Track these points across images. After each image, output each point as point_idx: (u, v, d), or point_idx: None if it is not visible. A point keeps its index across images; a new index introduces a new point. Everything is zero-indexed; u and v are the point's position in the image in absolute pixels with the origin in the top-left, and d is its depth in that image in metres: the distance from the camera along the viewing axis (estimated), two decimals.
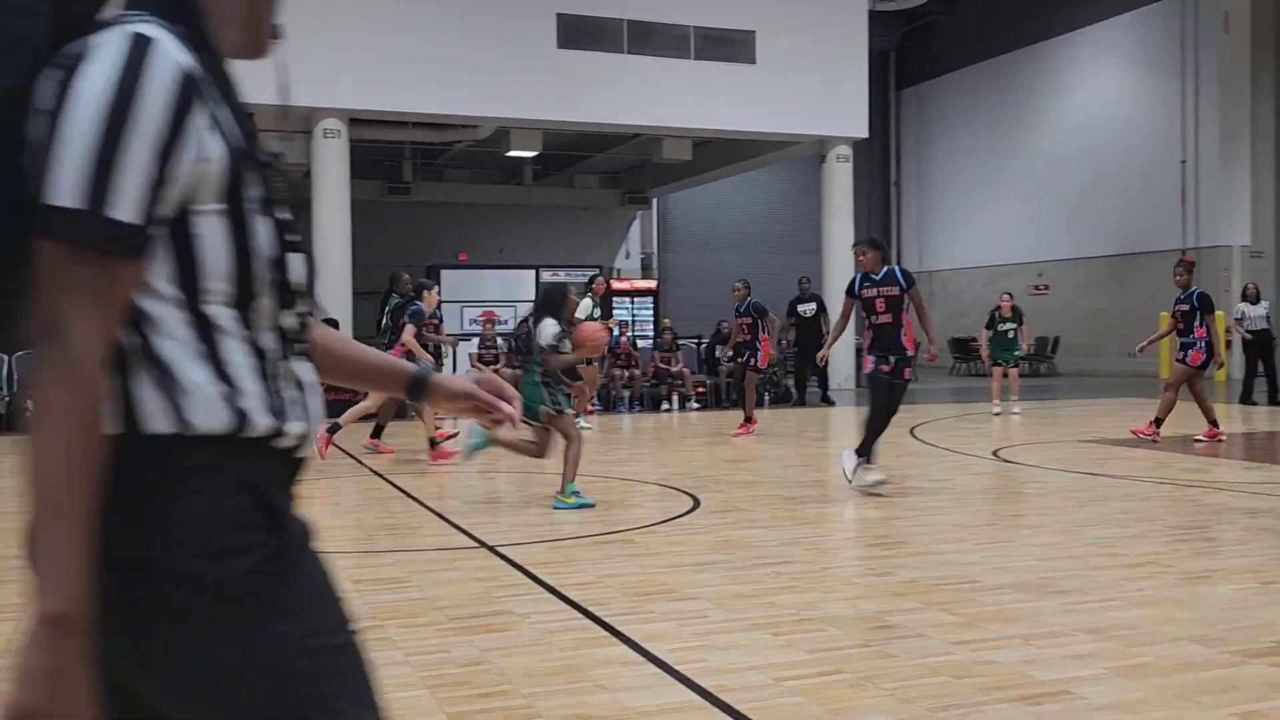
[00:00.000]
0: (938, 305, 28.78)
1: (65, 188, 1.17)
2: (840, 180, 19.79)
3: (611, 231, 27.22)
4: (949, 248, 28.29)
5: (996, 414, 13.79)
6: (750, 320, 12.65)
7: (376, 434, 10.43)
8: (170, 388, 1.25)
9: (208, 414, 1.26)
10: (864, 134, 19.70)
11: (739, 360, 13.21)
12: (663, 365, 15.94)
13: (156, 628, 1.22)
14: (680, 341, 16.77)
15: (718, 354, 15.80)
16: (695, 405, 15.81)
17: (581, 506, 7.20)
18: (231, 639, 1.24)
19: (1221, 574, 5.28)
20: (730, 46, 18.58)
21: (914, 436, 11.80)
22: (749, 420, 12.13)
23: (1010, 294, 15.34)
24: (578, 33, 17.46)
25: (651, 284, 23.25)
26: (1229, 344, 20.79)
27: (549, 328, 7.42)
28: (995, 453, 10.29)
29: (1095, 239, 23.46)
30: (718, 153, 22.52)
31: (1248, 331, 15.46)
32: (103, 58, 1.20)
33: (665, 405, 15.73)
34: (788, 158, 22.89)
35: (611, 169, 26.43)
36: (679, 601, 4.82)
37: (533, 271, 21.47)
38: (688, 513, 7.16)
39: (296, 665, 1.27)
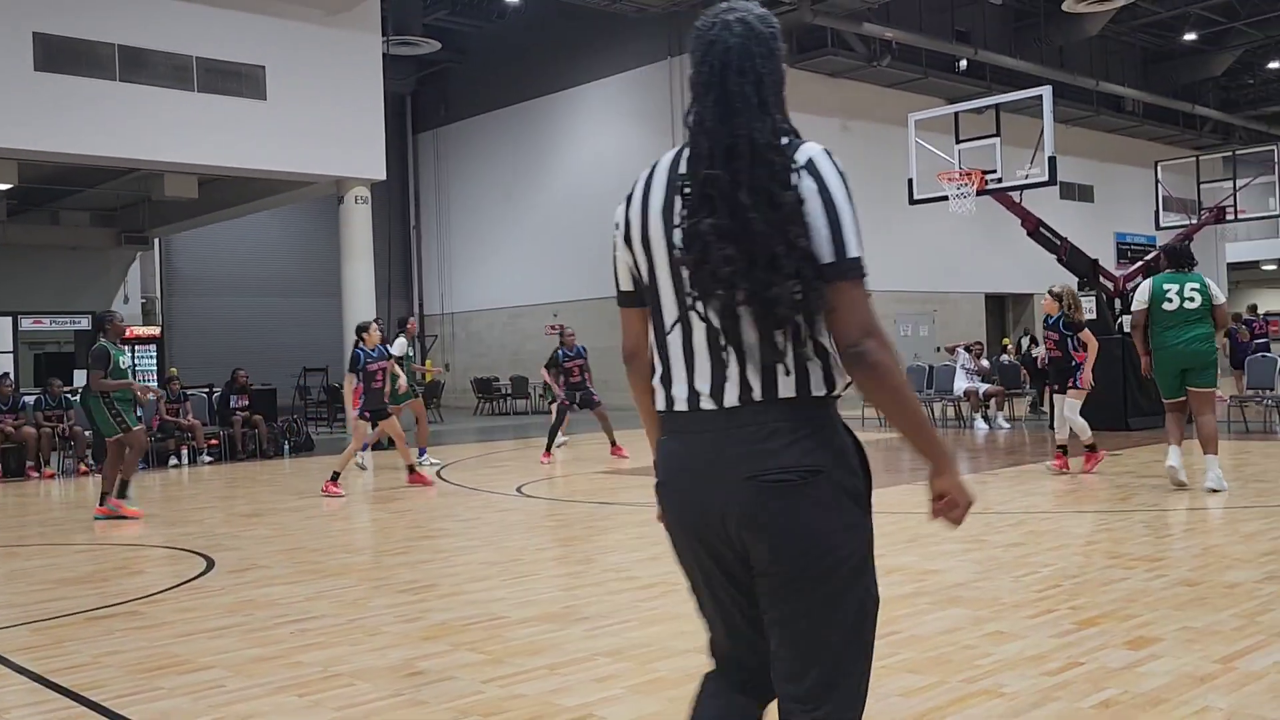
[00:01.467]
0: (461, 347, 29.38)
1: (855, 245, 1.95)
2: (359, 222, 19.55)
3: (105, 274, 24.82)
4: (471, 290, 28.97)
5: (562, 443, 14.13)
6: (583, 363, 13.11)
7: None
8: (827, 367, 2.01)
9: (836, 384, 2.02)
10: (382, 176, 19.63)
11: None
12: (169, 418, 14.75)
13: (820, 512, 1.97)
14: (189, 392, 15.64)
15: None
16: (208, 459, 14.80)
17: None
18: (859, 525, 2.03)
19: None
20: (238, 80, 17.74)
21: (441, 478, 11.85)
22: None
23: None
24: (59, 55, 15.79)
25: (154, 330, 21.48)
26: None
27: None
28: (519, 489, 10.59)
29: (603, 281, 25.11)
30: (227, 191, 21.37)
31: None
32: (829, 164, 2.00)
33: (173, 461, 14.57)
34: (304, 198, 22.26)
35: (105, 206, 24.18)
36: (192, 673, 4.42)
37: (9, 319, 18.92)
38: (201, 575, 6.63)
39: (873, 548, 2.09)
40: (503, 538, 7.86)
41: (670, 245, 2.04)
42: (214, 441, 15.09)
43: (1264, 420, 14.00)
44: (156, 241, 25.58)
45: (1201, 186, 18.10)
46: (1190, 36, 29.71)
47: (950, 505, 2.07)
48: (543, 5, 23.69)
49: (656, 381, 2.14)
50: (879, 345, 1.92)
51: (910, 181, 15.09)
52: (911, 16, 24.49)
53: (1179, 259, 8.74)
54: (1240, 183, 17.44)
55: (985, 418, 15.93)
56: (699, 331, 2.03)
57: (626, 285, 2.23)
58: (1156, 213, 18.51)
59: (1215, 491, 8.24)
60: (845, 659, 2.04)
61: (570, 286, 25.91)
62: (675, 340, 2.07)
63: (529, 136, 27.29)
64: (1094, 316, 14.92)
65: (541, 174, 27.07)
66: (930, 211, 16.11)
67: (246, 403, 15.80)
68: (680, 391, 2.06)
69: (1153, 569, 5.79)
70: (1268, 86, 34.11)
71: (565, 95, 26.26)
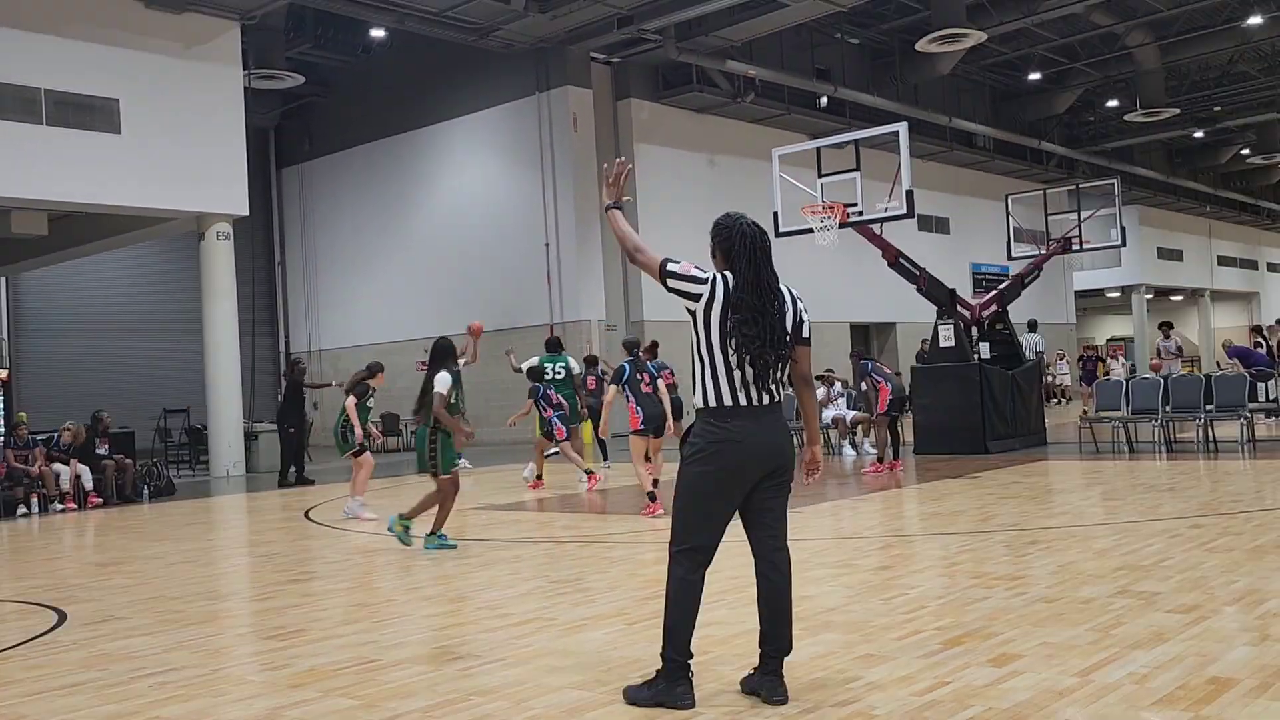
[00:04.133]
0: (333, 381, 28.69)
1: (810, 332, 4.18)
2: (221, 259, 19.03)
3: None
4: (339, 327, 28.38)
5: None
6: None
7: None
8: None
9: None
10: (245, 211, 19.17)
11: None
12: (18, 465, 14.02)
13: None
14: (37, 437, 14.89)
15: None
16: (58, 508, 14.10)
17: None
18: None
19: (596, 620, 5.76)
20: (90, 114, 17.12)
21: (308, 519, 11.55)
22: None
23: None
24: None
25: (1, 374, 20.40)
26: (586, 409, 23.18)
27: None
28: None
29: (475, 315, 24.77)
30: (80, 228, 20.55)
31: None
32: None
33: (22, 510, 13.84)
34: (163, 234, 21.55)
35: None
36: None
37: None
38: (52, 629, 6.30)
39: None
40: (374, 579, 7.69)
41: None
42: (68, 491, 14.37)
43: (1113, 440, 14.66)
44: (3, 280, 24.40)
45: (1049, 218, 18.95)
46: (1035, 76, 31.21)
47: (815, 467, 4.30)
48: (409, 40, 23.52)
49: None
50: (814, 387, 4.36)
51: (775, 215, 15.42)
52: (774, 55, 25.12)
53: None
54: (1084, 214, 18.33)
55: (853, 444, 16.30)
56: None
57: None
58: (1008, 243, 19.30)
59: None
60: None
61: (442, 322, 25.60)
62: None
63: (397, 171, 26.99)
64: (953, 344, 15.46)
65: (410, 209, 26.78)
66: (796, 244, 16.43)
67: (107, 448, 15.15)
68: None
69: (1013, 587, 5.99)
70: (1107, 124, 36.01)
71: (433, 130, 26.09)
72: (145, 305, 26.79)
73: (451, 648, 5.27)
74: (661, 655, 4.07)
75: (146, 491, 15.28)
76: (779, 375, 4.05)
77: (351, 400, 11.11)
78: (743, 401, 3.98)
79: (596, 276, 24.01)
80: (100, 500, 14.48)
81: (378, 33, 23.80)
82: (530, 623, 5.75)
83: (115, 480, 14.84)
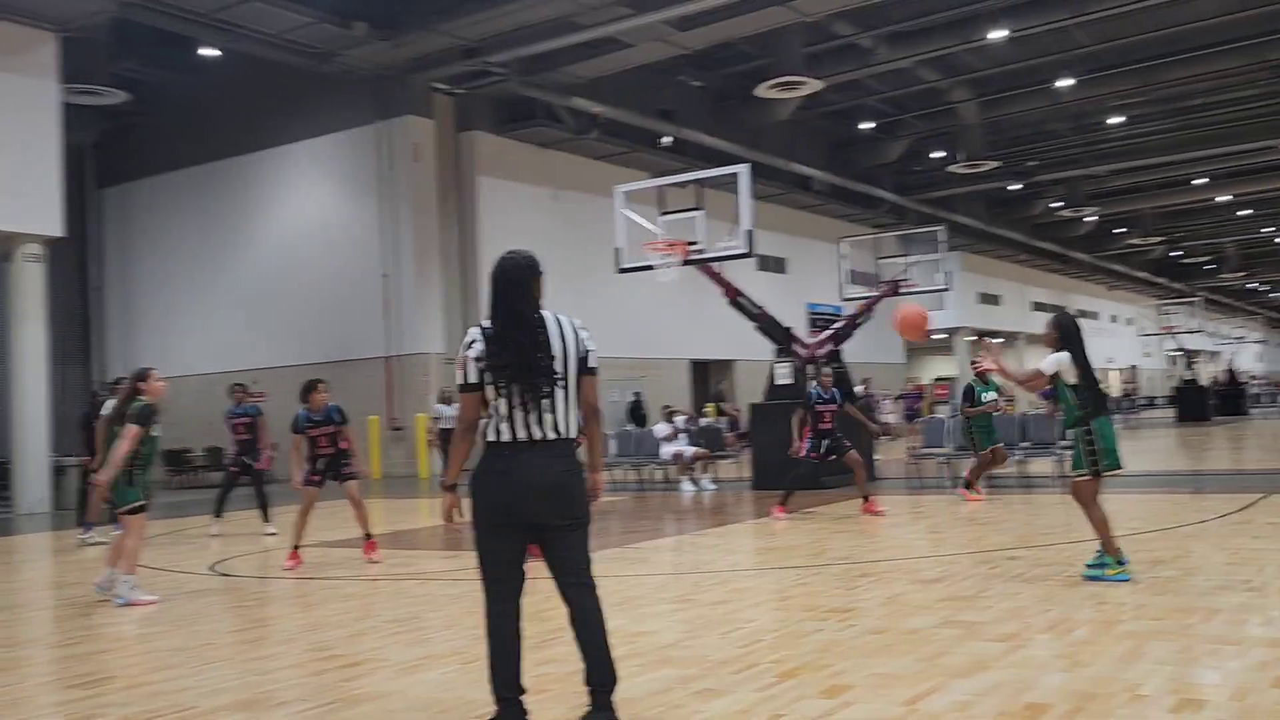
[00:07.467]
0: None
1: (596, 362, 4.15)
2: (31, 282, 17.96)
3: None
4: (160, 355, 26.95)
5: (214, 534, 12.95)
6: (249, 420, 12.52)
7: None
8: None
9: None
10: (58, 232, 18.18)
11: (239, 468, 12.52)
12: None
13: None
14: None
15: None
16: None
17: None
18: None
19: (430, 661, 5.60)
20: None
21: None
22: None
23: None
24: None
25: None
26: (430, 443, 22.79)
27: None
28: (213, 567, 9.91)
29: (309, 346, 24.20)
30: None
31: (441, 430, 16.98)
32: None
33: None
34: None
35: None
36: None
37: None
38: None
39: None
40: (193, 621, 7.29)
41: None
42: None
43: (937, 475, 15.24)
44: None
45: (880, 262, 19.70)
46: (868, 125, 32.51)
47: (594, 494, 4.22)
48: (244, 61, 22.84)
49: None
50: (600, 418, 4.34)
51: (618, 251, 15.53)
52: (618, 93, 25.42)
53: None
54: (912, 259, 19.12)
55: (692, 480, 16.46)
56: None
57: None
58: (841, 285, 19.95)
59: None
60: None
61: (275, 352, 24.82)
62: None
63: (227, 195, 26.08)
64: (791, 382, 15.83)
65: (242, 235, 25.90)
66: (638, 280, 16.60)
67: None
68: None
69: (844, 620, 6.11)
70: (933, 173, 37.75)
71: (267, 154, 25.35)
72: None
73: (274, 693, 5.03)
74: (492, 692, 3.99)
75: None
76: (563, 409, 3.97)
77: (134, 430, 7.78)
78: (520, 437, 3.92)
79: (436, 309, 23.69)
80: None
81: (210, 52, 23.01)
82: (360, 664, 5.54)
83: None
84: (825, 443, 11.95)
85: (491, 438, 3.98)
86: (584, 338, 4.08)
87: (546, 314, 4.04)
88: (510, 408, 3.93)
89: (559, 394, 3.96)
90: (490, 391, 3.96)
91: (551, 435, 3.96)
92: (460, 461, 4.10)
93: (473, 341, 4.01)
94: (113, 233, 28.42)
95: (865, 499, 11.75)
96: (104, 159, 28.32)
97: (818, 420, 11.95)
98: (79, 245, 27.35)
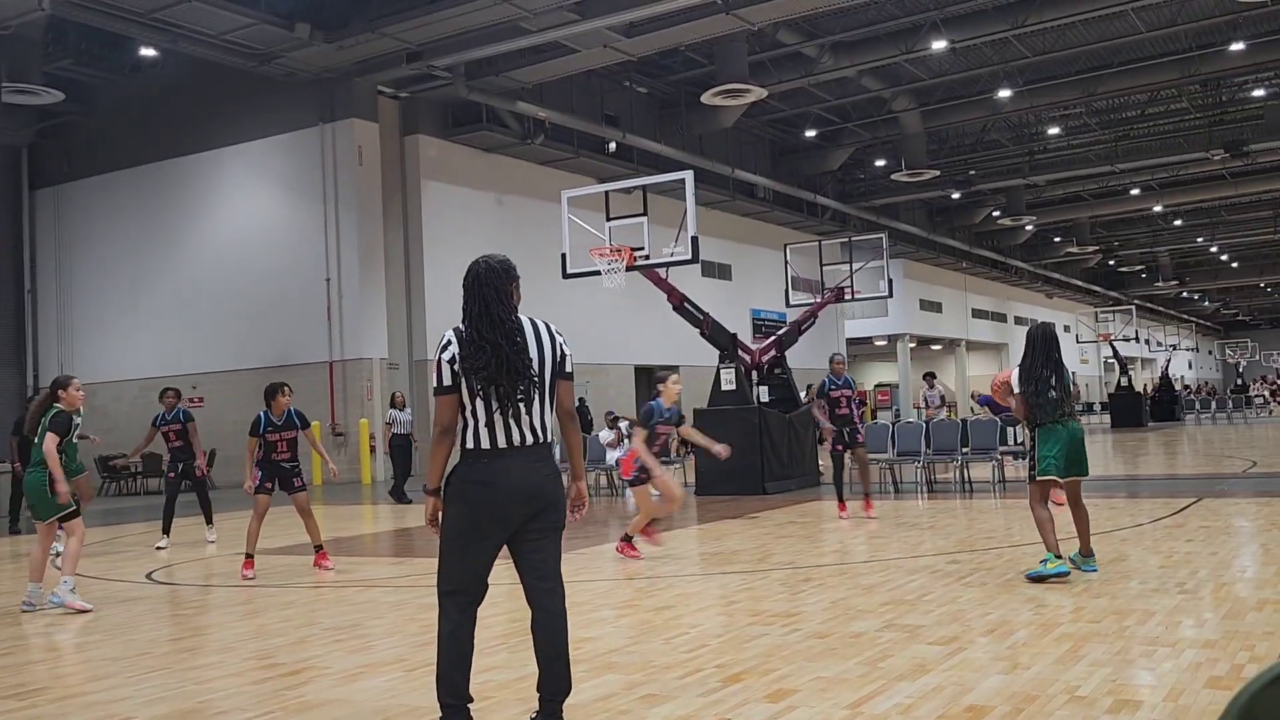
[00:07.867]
0: (84, 421, 26.76)
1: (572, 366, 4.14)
2: None
3: None
4: (97, 360, 26.56)
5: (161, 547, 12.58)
6: (180, 426, 12.08)
7: None
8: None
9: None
10: None
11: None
12: None
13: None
14: None
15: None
16: None
17: None
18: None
19: (374, 668, 5.54)
20: None
21: (55, 566, 10.66)
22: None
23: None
24: None
25: None
26: (373, 449, 22.57)
27: None
28: (150, 575, 9.73)
29: (249, 352, 23.87)
30: None
31: (395, 435, 16.76)
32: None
33: None
34: None
35: None
36: None
37: None
38: None
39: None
40: (129, 630, 7.16)
41: None
42: None
43: (880, 480, 15.38)
44: None
45: (824, 268, 19.87)
46: (811, 133, 32.81)
47: (580, 503, 4.23)
48: (183, 61, 22.50)
49: None
50: (577, 421, 4.25)
51: (564, 256, 15.51)
52: (564, 99, 25.42)
53: None
54: (856, 266, 19.31)
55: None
56: None
57: None
58: (786, 291, 20.09)
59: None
60: None
61: (215, 357, 24.47)
62: None
63: (166, 198, 25.66)
64: (734, 387, 15.90)
65: (181, 237, 25.49)
66: (584, 285, 16.60)
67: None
68: None
69: (788, 624, 6.15)
70: (876, 182, 38.21)
71: (207, 156, 25.00)
72: None
73: (214, 702, 4.95)
74: (438, 701, 3.95)
75: None
76: (539, 413, 3.95)
77: (52, 441, 7.81)
78: (500, 443, 3.88)
79: (379, 313, 23.49)
80: None
81: (148, 52, 22.64)
82: (302, 672, 5.47)
83: None
84: (845, 430, 11.78)
85: (470, 444, 3.91)
86: (560, 341, 4.06)
87: (523, 317, 4.00)
88: (489, 411, 3.88)
89: (536, 397, 3.94)
90: (466, 395, 3.90)
91: (530, 439, 3.93)
92: (441, 464, 4.00)
93: (448, 344, 3.94)
94: (48, 235, 27.83)
95: (866, 497, 12.04)
96: (39, 160, 27.75)
97: (834, 406, 11.76)
98: (14, 247, 26.79)
